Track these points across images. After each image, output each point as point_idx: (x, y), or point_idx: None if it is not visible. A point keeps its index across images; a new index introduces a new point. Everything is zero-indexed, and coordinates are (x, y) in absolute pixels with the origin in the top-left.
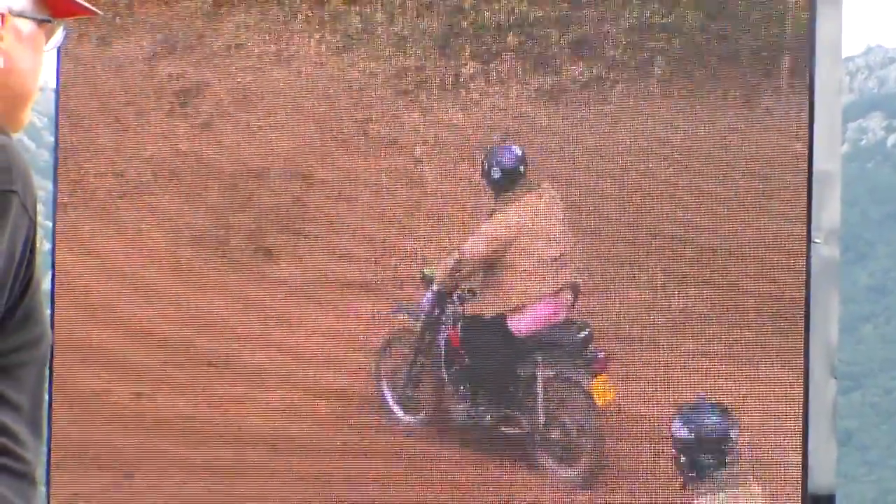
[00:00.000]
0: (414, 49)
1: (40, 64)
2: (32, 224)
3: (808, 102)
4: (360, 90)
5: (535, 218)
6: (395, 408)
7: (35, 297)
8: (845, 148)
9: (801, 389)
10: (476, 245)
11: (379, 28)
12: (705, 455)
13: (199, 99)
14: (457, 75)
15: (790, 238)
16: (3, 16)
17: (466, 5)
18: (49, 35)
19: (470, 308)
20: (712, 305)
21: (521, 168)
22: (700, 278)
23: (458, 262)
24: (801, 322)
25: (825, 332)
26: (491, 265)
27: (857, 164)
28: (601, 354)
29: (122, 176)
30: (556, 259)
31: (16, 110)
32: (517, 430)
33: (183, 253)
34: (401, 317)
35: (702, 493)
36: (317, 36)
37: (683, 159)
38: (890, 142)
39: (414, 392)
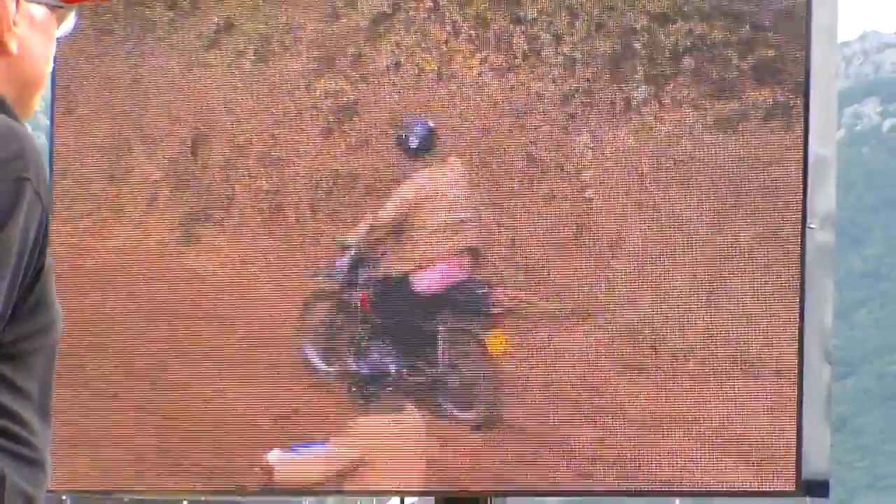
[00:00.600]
0: (583, 71)
1: (52, 50)
2: (45, 211)
3: (803, 87)
4: (525, 113)
5: (439, 185)
6: (317, 361)
7: (47, 284)
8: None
9: (795, 374)
10: (387, 210)
11: (546, 49)
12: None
13: (355, 117)
14: (628, 99)
15: (785, 224)
16: (17, 1)
17: (639, 26)
18: (60, 21)
19: (380, 270)
20: (705, 291)
21: (433, 138)
22: (673, 259)
23: (371, 227)
24: (796, 307)
25: (820, 317)
26: (399, 229)
27: (852, 149)
28: (497, 310)
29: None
30: (457, 223)
31: (28, 97)
32: (421, 379)
33: None
34: (318, 279)
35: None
36: (479, 56)
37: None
38: (885, 127)
39: (333, 346)
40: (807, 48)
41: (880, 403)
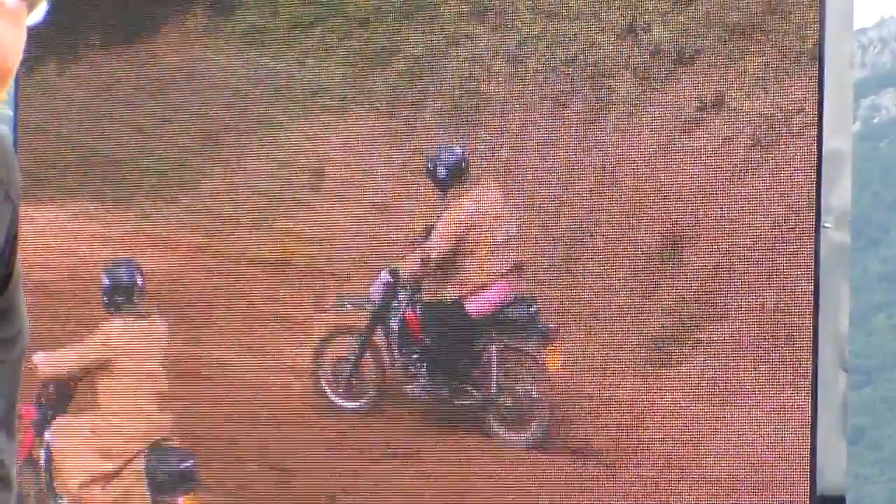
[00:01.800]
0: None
1: (22, 40)
2: (16, 216)
3: (817, 77)
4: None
5: (483, 208)
6: (336, 399)
7: (14, 294)
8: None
9: (809, 383)
10: (436, 241)
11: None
12: None
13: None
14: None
15: (798, 222)
16: None
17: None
18: (31, 9)
19: (428, 294)
20: (713, 294)
21: (464, 165)
22: (684, 259)
23: (423, 261)
24: (810, 312)
25: (835, 322)
26: (451, 256)
27: (869, 143)
28: (551, 325)
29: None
30: (502, 243)
31: None
32: (471, 402)
33: None
34: (344, 310)
35: None
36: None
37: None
38: None
39: (358, 382)
40: (821, 35)
41: None
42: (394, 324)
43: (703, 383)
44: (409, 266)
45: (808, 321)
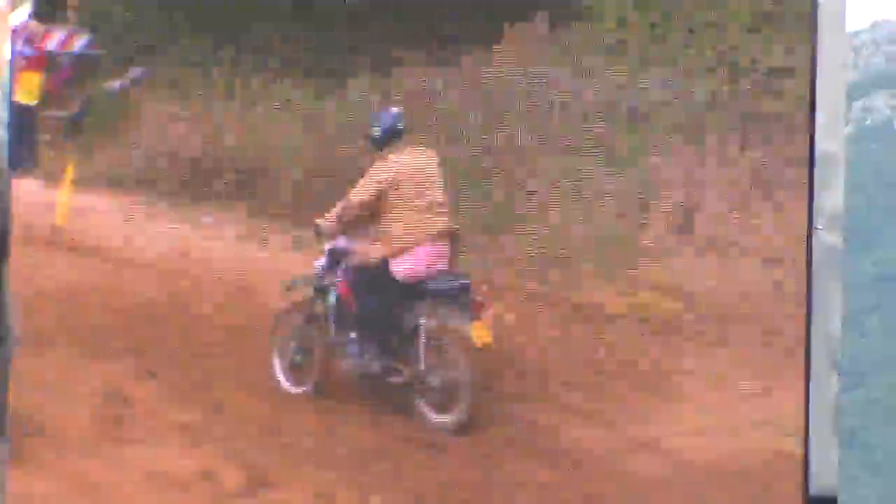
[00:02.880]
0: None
1: (5, 39)
2: (5, 218)
3: (809, 79)
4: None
5: (412, 168)
6: (283, 380)
7: (2, 297)
8: (849, 128)
9: (801, 385)
10: (358, 190)
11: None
12: None
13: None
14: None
15: (790, 224)
16: None
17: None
18: (14, 7)
19: (357, 258)
20: (705, 294)
21: (399, 125)
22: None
23: (344, 207)
24: (802, 314)
25: (827, 324)
26: (373, 210)
27: (861, 145)
28: (479, 299)
29: None
30: (432, 206)
31: None
32: (401, 380)
33: None
34: (297, 288)
35: None
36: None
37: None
38: None
39: (304, 360)
40: (813, 37)
41: (892, 416)
42: (332, 297)
43: (693, 380)
44: (328, 216)
45: (801, 323)
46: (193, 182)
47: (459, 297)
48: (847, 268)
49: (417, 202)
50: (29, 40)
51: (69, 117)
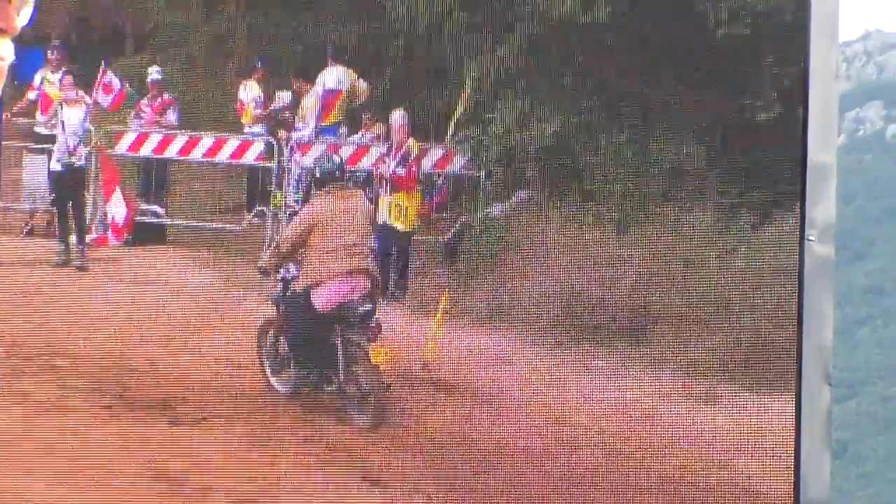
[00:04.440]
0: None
1: (8, 43)
2: None
3: (801, 90)
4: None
5: (335, 210)
6: (273, 381)
7: None
8: (841, 139)
9: (792, 397)
10: (289, 229)
11: None
12: None
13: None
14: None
15: (782, 235)
16: None
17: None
18: (18, 11)
19: (291, 287)
20: (696, 305)
21: (338, 172)
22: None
23: (277, 245)
24: (794, 325)
25: (819, 335)
26: (298, 246)
27: (853, 156)
28: (374, 324)
29: None
30: (351, 246)
31: None
32: (331, 387)
33: None
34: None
35: None
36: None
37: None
38: (889, 133)
39: (279, 363)
40: (805, 48)
41: (884, 428)
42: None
43: (680, 392)
44: (267, 254)
45: (792, 334)
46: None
47: (364, 322)
48: (839, 279)
49: (335, 242)
50: (403, 160)
51: (444, 242)
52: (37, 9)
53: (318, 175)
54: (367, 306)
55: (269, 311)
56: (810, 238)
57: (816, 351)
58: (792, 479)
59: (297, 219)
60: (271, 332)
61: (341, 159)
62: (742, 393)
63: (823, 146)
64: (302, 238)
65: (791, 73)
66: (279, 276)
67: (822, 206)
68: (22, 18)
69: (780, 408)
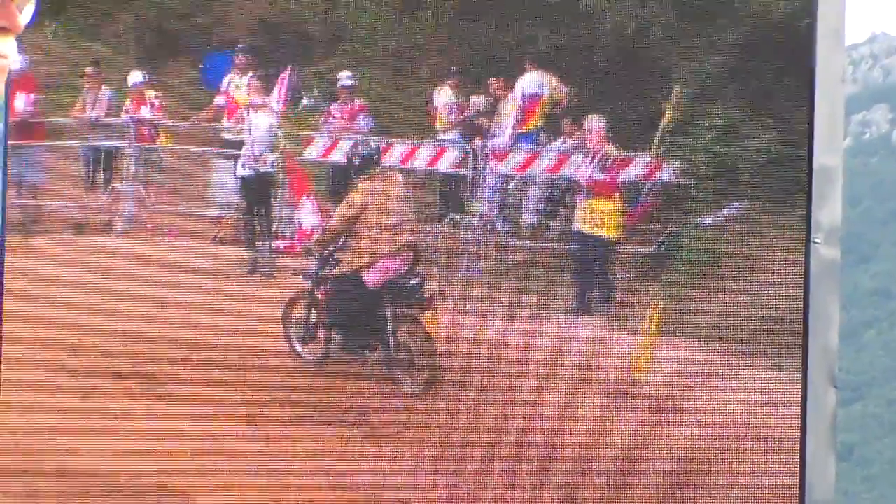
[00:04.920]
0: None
1: (10, 43)
2: None
3: (807, 92)
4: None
5: (380, 193)
6: (301, 351)
7: None
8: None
9: (798, 399)
10: (335, 216)
11: None
12: None
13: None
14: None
15: (788, 237)
16: None
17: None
18: (20, 10)
19: (336, 270)
20: (701, 310)
21: (376, 157)
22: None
23: (324, 230)
24: (800, 327)
25: (825, 338)
26: (348, 231)
27: (859, 158)
28: (427, 295)
29: None
30: (396, 225)
31: None
32: (378, 356)
33: None
34: (299, 279)
35: None
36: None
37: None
38: (895, 136)
39: (313, 338)
40: (812, 51)
41: (889, 431)
42: (322, 294)
43: (687, 395)
44: (315, 239)
45: (798, 337)
46: None
47: (415, 294)
48: (845, 281)
49: (382, 223)
50: (600, 165)
51: (650, 254)
52: (37, 9)
53: (356, 163)
54: (416, 280)
55: (299, 287)
56: (816, 241)
57: (822, 353)
58: (798, 480)
59: (343, 205)
60: (300, 304)
61: (377, 146)
62: (747, 395)
63: (829, 149)
64: (350, 223)
65: (797, 75)
66: (322, 255)
67: (828, 209)
68: (25, 17)
69: (785, 409)
